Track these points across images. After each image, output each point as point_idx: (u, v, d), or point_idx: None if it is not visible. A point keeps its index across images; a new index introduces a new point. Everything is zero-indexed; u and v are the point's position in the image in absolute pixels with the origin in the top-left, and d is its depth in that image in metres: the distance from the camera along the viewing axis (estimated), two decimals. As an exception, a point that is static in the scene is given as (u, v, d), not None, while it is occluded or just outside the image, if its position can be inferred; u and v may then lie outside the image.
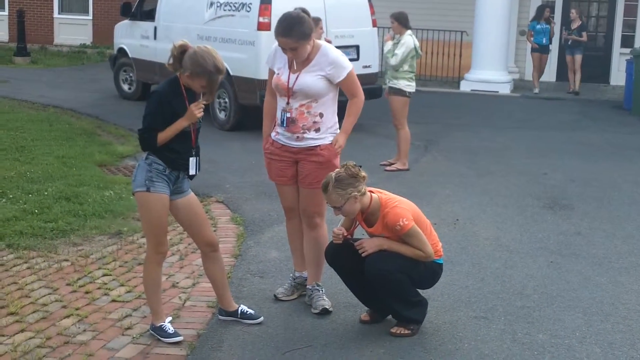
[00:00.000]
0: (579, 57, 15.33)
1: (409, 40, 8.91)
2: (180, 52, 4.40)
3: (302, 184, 5.01)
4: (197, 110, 4.43)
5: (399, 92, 8.98)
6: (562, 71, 17.58)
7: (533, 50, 15.72)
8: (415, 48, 8.90)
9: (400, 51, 8.84)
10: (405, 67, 8.92)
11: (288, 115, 4.90)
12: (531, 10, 17.83)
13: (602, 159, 10.05)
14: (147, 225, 4.55)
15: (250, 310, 4.84)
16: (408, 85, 8.99)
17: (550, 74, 17.75)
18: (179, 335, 4.56)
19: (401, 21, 9.02)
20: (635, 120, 12.97)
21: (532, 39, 15.55)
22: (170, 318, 4.78)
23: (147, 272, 4.59)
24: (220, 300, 4.86)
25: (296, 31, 4.75)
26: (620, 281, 5.77)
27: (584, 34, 15.34)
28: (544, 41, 15.43)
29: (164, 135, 4.40)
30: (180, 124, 4.42)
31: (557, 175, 9.08)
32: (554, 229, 7.02)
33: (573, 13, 15.49)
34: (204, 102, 4.49)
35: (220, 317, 4.86)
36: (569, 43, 15.40)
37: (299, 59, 4.86)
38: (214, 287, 4.85)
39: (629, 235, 6.92)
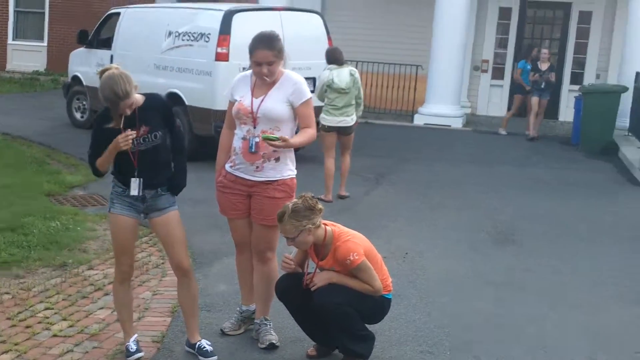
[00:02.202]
0: (545, 101, 14.85)
1: (324, 74, 9.18)
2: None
3: (256, 219, 4.96)
4: (123, 141, 4.40)
5: (318, 124, 9.13)
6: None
7: (519, 91, 15.12)
8: (330, 82, 9.06)
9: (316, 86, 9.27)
10: (325, 100, 9.15)
11: (257, 140, 4.84)
12: (485, 46, 18.21)
13: (550, 195, 10.21)
14: (112, 244, 4.79)
15: (207, 347, 4.77)
16: (324, 118, 9.14)
17: (502, 109, 18.06)
18: (140, 352, 4.62)
19: (326, 57, 9.42)
20: (583, 157, 13.22)
21: (521, 78, 14.90)
22: (136, 335, 4.77)
23: (113, 290, 4.80)
24: (186, 329, 4.85)
25: (276, 45, 4.83)
26: (566, 316, 5.84)
27: (553, 74, 14.93)
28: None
29: (100, 161, 4.53)
30: (110, 151, 4.46)
31: (508, 210, 9.19)
32: (503, 264, 7.09)
33: (546, 53, 14.97)
34: (130, 134, 4.40)
35: (186, 347, 4.85)
36: (542, 86, 14.68)
37: (271, 76, 4.86)
38: (183, 314, 4.86)
39: (575, 271, 7.02)
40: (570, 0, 17.77)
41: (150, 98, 4.61)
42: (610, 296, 6.39)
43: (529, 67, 14.84)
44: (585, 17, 17.71)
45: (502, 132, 15.30)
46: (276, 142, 4.73)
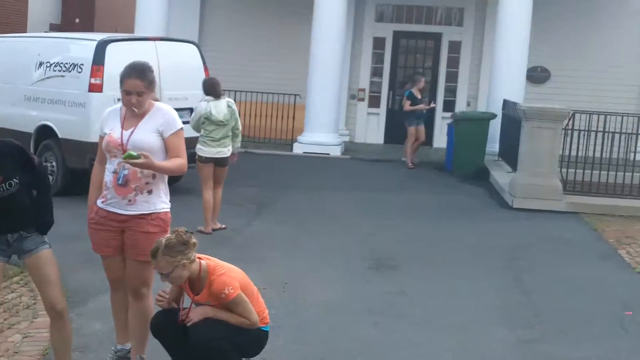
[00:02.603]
0: (422, 127, 15.15)
1: (201, 106, 9.18)
2: None
3: (129, 255, 4.89)
4: None
5: (195, 155, 9.11)
6: (390, 134, 18.34)
7: (411, 121, 14.96)
8: (208, 114, 9.08)
9: (192, 116, 9.25)
10: (202, 132, 9.17)
11: (126, 172, 4.78)
12: (362, 75, 18.62)
13: (426, 219, 10.51)
14: None
15: None
16: (200, 149, 9.16)
17: (378, 136, 18.49)
18: None
19: (203, 87, 9.43)
20: (456, 181, 13.68)
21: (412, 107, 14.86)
22: None
23: None
24: None
25: (147, 76, 4.81)
26: (438, 339, 6.00)
27: (432, 102, 15.18)
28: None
29: None
30: None
31: (385, 236, 9.39)
32: (380, 290, 7.23)
33: (423, 82, 15.29)
34: None
35: None
36: (424, 112, 15.00)
37: (140, 107, 4.81)
38: (54, 357, 4.70)
39: (450, 294, 7.24)
40: (440, 31, 18.45)
41: (1, 146, 4.48)
42: (485, 318, 6.62)
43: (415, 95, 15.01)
44: (455, 47, 18.41)
45: (410, 164, 15.25)
46: (138, 160, 4.65)
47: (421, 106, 14.96)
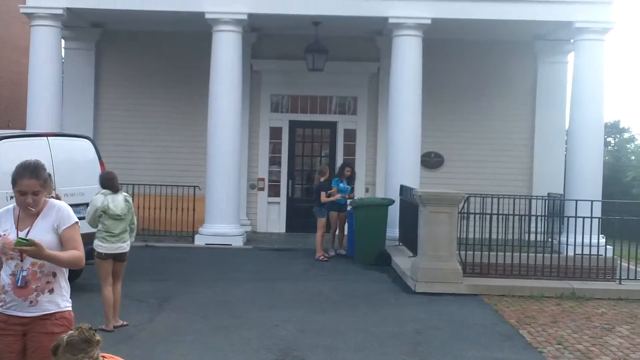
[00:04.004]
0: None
1: (97, 199, 9.05)
2: None
3: (33, 359, 4.70)
4: None
5: (94, 251, 8.92)
6: (292, 222, 18.44)
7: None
8: (105, 208, 8.96)
9: (87, 210, 9.08)
10: (99, 227, 9.00)
11: (24, 273, 4.65)
12: (260, 164, 18.74)
13: (329, 308, 10.48)
14: None
15: None
16: (99, 245, 8.99)
17: (279, 225, 18.54)
18: None
19: (100, 181, 9.31)
20: (359, 268, 13.77)
21: (337, 195, 14.88)
22: None
23: None
24: None
25: (42, 175, 4.73)
26: None
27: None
28: (343, 200, 15.06)
29: None
30: None
31: (289, 327, 9.29)
32: (287, 383, 7.10)
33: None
34: None
35: None
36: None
37: (36, 206, 4.71)
38: None
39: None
40: (335, 120, 18.88)
41: None
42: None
43: (341, 184, 15.04)
44: (351, 134, 18.87)
45: (340, 251, 15.29)
46: (29, 248, 4.50)
47: (337, 196, 14.94)
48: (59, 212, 4.82)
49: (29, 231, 4.73)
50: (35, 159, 4.89)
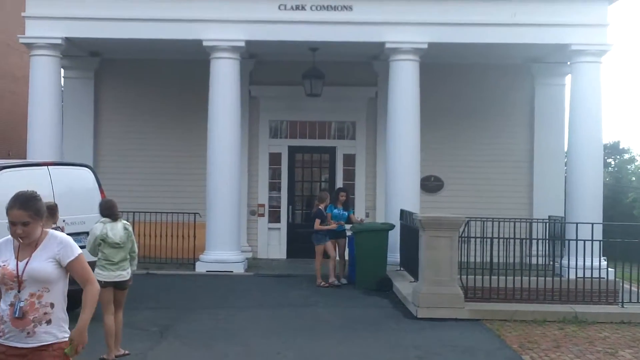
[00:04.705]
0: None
1: (97, 227, 9.05)
2: None
3: (29, 392, 4.68)
4: None
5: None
6: (293, 248, 18.42)
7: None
8: (104, 236, 8.95)
9: (87, 239, 9.08)
10: (99, 255, 8.99)
11: (22, 304, 4.67)
12: (260, 190, 18.74)
13: (331, 334, 10.43)
14: None
15: None
16: (99, 273, 8.91)
17: (280, 251, 18.52)
18: None
19: (100, 209, 9.27)
20: (360, 293, 13.72)
21: (333, 225, 14.67)
22: None
23: None
24: None
25: (32, 206, 4.73)
26: None
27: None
28: (340, 226, 14.85)
29: None
30: None
31: (290, 354, 9.24)
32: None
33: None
34: None
35: None
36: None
37: (28, 238, 4.73)
38: None
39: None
40: (334, 145, 18.91)
41: None
42: None
43: (336, 210, 14.89)
44: (350, 159, 18.90)
45: (344, 281, 14.95)
46: (78, 347, 4.74)
47: (332, 226, 14.77)
48: (61, 244, 4.84)
49: (28, 262, 4.74)
50: (32, 190, 4.91)
